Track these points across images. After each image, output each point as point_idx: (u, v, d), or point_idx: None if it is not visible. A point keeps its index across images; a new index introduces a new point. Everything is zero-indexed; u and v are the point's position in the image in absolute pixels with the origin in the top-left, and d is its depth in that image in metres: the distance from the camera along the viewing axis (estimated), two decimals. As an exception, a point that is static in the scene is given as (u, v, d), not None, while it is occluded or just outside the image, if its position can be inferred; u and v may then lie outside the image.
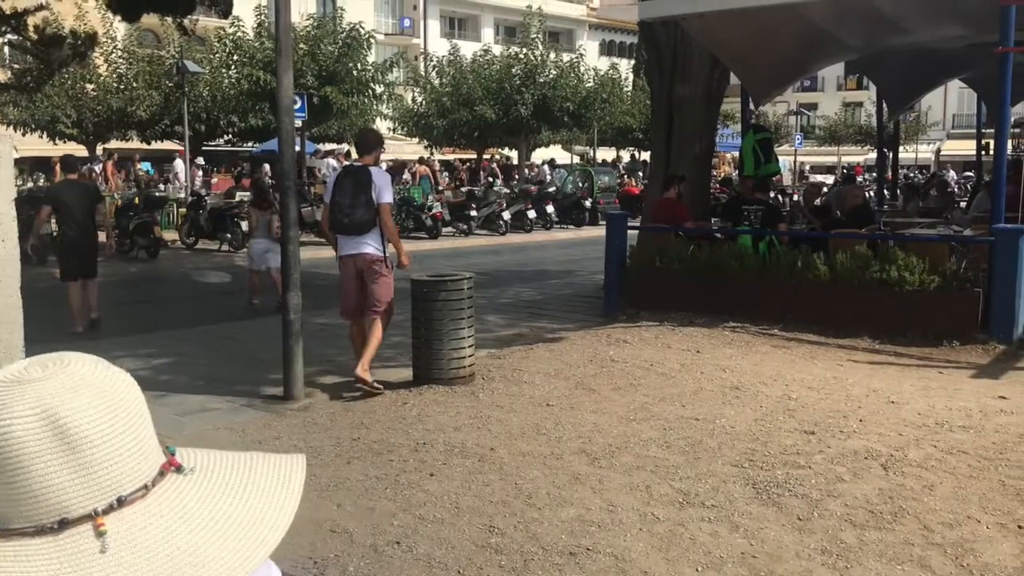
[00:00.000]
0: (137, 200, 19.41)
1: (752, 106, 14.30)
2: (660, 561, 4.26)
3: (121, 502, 0.87)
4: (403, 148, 38.33)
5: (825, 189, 18.97)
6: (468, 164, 36.80)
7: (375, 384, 7.34)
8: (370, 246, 7.44)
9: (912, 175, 35.73)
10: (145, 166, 30.19)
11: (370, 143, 7.94)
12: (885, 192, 18.33)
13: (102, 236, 11.33)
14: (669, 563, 4.24)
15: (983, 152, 20.64)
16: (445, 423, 6.46)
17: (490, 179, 27.68)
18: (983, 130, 19.85)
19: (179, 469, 0.94)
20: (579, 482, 5.28)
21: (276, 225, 12.61)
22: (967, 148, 38.83)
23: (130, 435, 0.90)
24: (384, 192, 7.44)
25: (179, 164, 25.13)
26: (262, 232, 12.35)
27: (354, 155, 11.35)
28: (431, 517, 4.79)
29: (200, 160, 28.39)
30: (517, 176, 31.84)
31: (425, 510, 4.88)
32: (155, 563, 0.85)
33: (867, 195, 15.76)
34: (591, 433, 6.18)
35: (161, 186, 24.84)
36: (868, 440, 5.95)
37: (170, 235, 20.13)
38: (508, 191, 25.65)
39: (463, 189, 26.43)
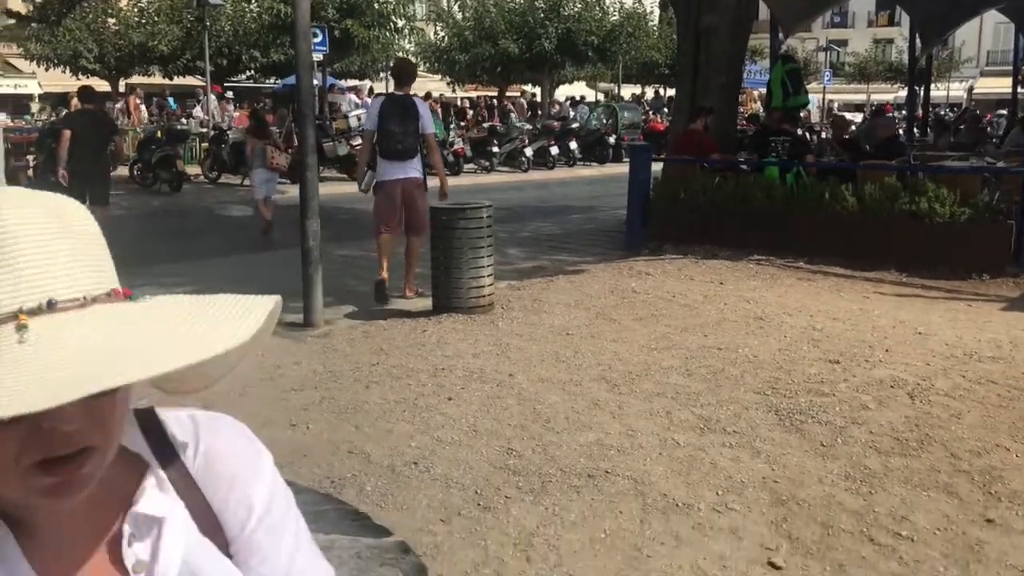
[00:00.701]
0: (160, 134, 19.28)
1: (781, 36, 13.93)
2: (680, 485, 4.21)
3: (52, 305, 0.80)
4: (425, 85, 37.90)
5: (853, 127, 18.57)
6: (485, 100, 36.32)
7: (420, 290, 8.16)
8: (415, 170, 8.07)
9: (943, 112, 34.95)
10: (169, 100, 30.05)
11: (411, 73, 8.47)
12: (915, 130, 17.92)
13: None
14: (689, 487, 4.18)
15: (1019, 88, 20.08)
16: (464, 350, 6.41)
17: (508, 114, 27.32)
18: (1021, 65, 19.29)
19: (131, 297, 0.87)
20: (598, 408, 5.22)
21: (271, 155, 12.57)
22: (1001, 86, 37.79)
23: (68, 244, 0.83)
24: (428, 122, 8.08)
25: (213, 99, 24.94)
26: (259, 161, 12.44)
27: (376, 90, 11.68)
28: (449, 439, 4.75)
29: (230, 95, 28.22)
30: (540, 112, 31.43)
31: (443, 432, 4.84)
32: (76, 354, 0.77)
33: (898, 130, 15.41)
34: (611, 361, 6.11)
35: (183, 120, 24.70)
36: (894, 369, 5.85)
37: (193, 169, 20.05)
38: (530, 127, 25.31)
39: (485, 125, 26.11)
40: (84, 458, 0.81)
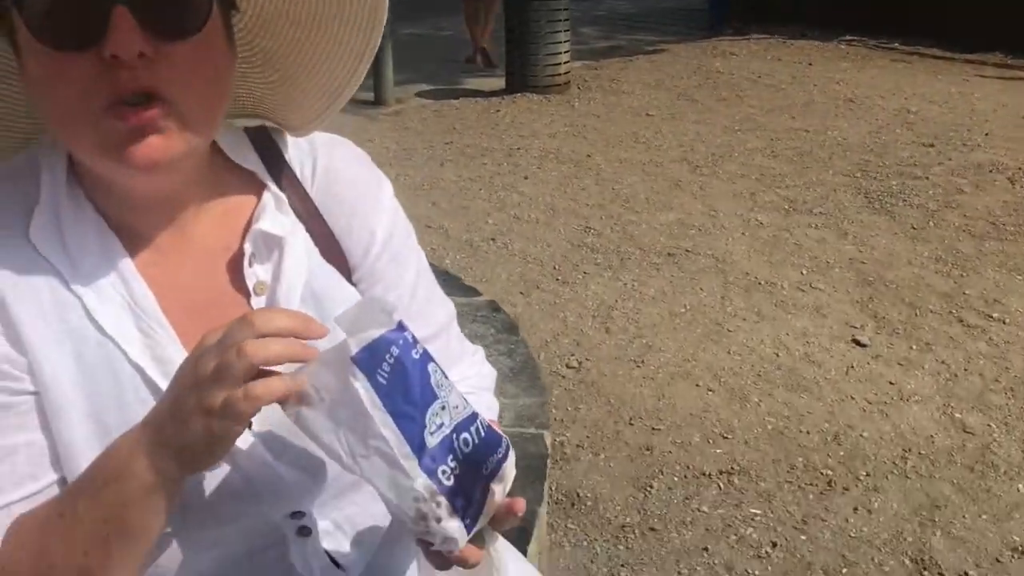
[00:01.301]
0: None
1: None
2: (762, 264, 4.12)
3: None
4: None
5: None
6: None
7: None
8: None
9: None
10: None
11: None
12: None
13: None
14: (772, 266, 4.10)
15: None
16: (539, 130, 6.25)
17: None
18: None
19: None
20: (679, 188, 5.08)
21: None
22: None
23: None
24: None
25: None
26: None
27: None
28: (526, 217, 4.70)
29: None
30: None
31: (520, 210, 4.79)
32: None
33: None
34: (693, 142, 5.91)
35: None
36: (994, 153, 5.54)
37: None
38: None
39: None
40: (155, 106, 0.72)
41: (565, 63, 7.24)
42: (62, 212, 0.80)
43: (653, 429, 2.89)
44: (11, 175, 0.82)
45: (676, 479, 2.65)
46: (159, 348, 0.80)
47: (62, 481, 0.78)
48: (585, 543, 2.38)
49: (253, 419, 0.71)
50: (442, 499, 0.70)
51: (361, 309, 0.70)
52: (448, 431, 0.71)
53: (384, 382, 0.68)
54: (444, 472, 0.70)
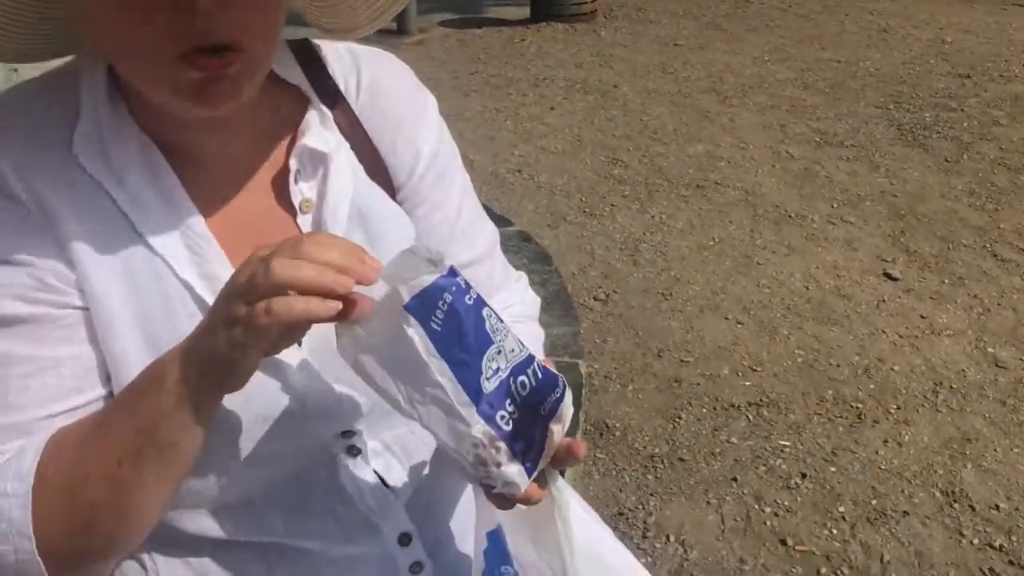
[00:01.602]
0: None
1: None
2: (793, 196, 4.07)
3: None
4: None
5: None
6: None
7: None
8: None
9: None
10: None
11: None
12: None
13: None
14: (803, 199, 4.04)
15: None
16: (565, 59, 6.15)
17: None
18: None
19: None
20: (708, 120, 5.01)
21: None
22: None
23: None
24: None
25: None
26: None
27: None
28: (553, 148, 4.65)
29: None
30: None
31: (546, 142, 4.73)
32: None
33: None
34: (722, 72, 5.80)
35: None
36: (1032, 85, 5.41)
37: None
38: None
39: None
40: (231, 56, 0.71)
41: (592, -9, 7.10)
42: (104, 129, 0.79)
43: (682, 361, 2.88)
44: (48, 89, 0.81)
45: (705, 411, 2.65)
46: (207, 265, 0.79)
47: (108, 396, 0.78)
48: (614, 472, 2.40)
49: (303, 342, 0.71)
50: (501, 444, 0.70)
51: (408, 256, 0.68)
52: (505, 375, 0.70)
53: (438, 328, 0.67)
54: (503, 417, 0.70)
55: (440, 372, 0.67)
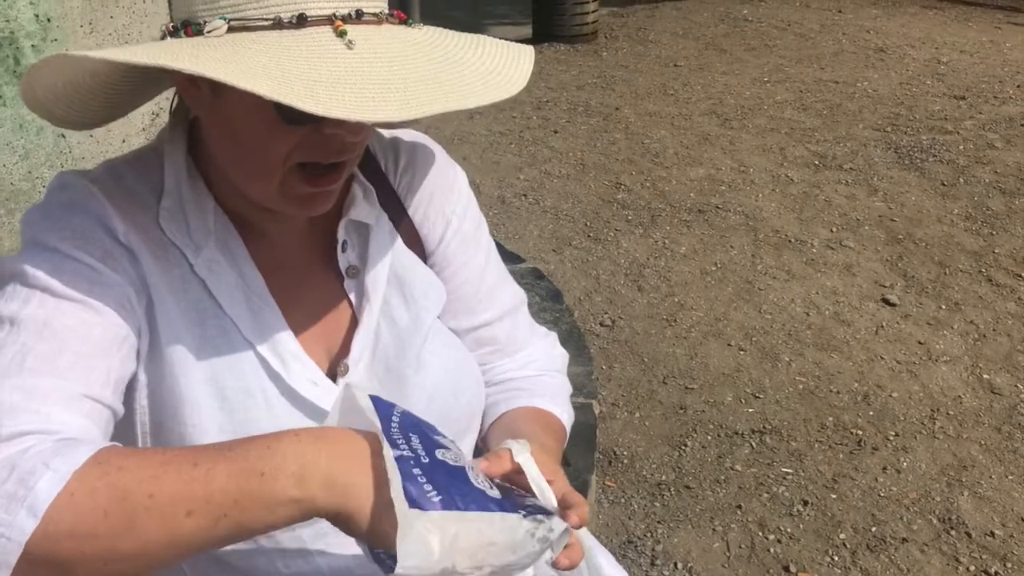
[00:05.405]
0: None
1: None
2: (792, 221, 4.16)
3: (359, 15, 0.79)
4: None
5: None
6: None
7: None
8: None
9: None
10: None
11: None
12: None
13: None
14: (802, 223, 4.13)
15: None
16: (567, 81, 6.24)
17: None
18: None
19: (405, 22, 0.85)
20: (708, 143, 5.10)
21: None
22: None
23: None
24: None
25: None
26: None
27: None
28: (557, 172, 4.74)
29: None
30: None
31: (550, 166, 4.82)
32: (402, 71, 0.76)
33: None
34: (721, 94, 5.89)
35: None
36: (1026, 106, 5.51)
37: None
38: None
39: None
40: (342, 170, 0.84)
41: (593, 11, 7.19)
42: (186, 204, 0.91)
43: (686, 388, 2.97)
44: (136, 166, 0.93)
45: (710, 438, 2.73)
46: (265, 324, 0.92)
47: (115, 413, 0.82)
48: (623, 500, 2.49)
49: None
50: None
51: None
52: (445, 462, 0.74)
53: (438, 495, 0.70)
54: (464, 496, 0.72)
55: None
